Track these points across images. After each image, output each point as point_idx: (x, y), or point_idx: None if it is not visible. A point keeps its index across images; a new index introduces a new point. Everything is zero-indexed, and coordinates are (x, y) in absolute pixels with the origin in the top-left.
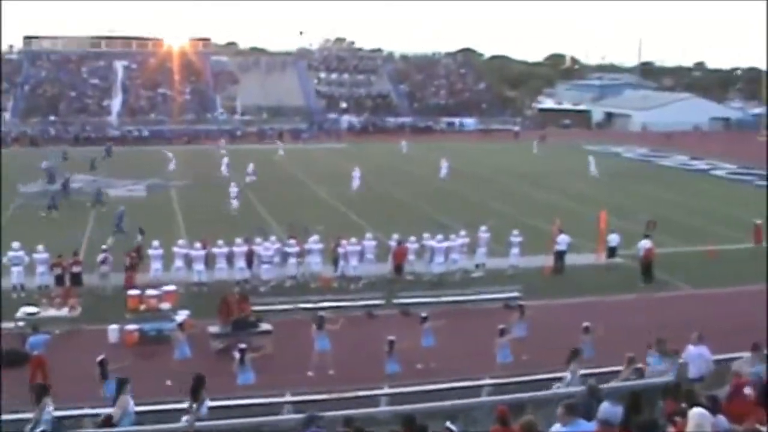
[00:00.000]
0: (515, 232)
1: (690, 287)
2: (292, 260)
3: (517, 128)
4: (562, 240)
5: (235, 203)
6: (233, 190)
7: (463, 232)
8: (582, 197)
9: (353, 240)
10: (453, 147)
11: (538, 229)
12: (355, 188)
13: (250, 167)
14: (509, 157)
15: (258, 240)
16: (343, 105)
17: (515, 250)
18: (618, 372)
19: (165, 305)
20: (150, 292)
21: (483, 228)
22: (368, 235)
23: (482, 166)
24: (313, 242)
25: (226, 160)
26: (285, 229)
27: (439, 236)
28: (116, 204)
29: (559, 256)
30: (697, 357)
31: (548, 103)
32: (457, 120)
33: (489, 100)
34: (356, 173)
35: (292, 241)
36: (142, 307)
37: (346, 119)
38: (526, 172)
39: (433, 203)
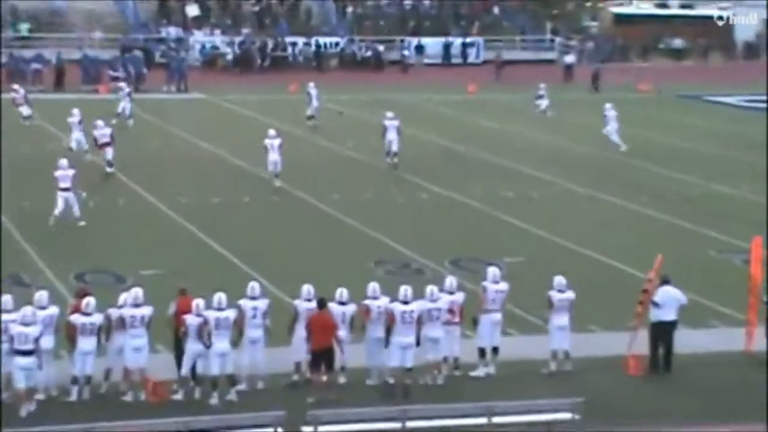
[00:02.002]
0: (559, 280)
1: None
2: (86, 347)
3: (569, 59)
4: (667, 298)
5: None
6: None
7: (450, 282)
8: (696, 201)
9: (218, 298)
10: (431, 101)
11: (607, 270)
12: (273, 170)
13: (101, 127)
14: (550, 120)
15: (6, 302)
16: (194, 11)
17: (560, 320)
18: None
19: None
20: None
21: (492, 272)
22: (252, 286)
23: (488, 139)
24: (132, 304)
25: (75, 118)
26: (70, 286)
27: (404, 290)
28: None
29: (661, 332)
30: None
31: (633, 6)
32: (442, 44)
33: (507, 4)
34: (273, 141)
35: (87, 302)
36: None
37: (201, 41)
38: (578, 153)
39: (384, 218)
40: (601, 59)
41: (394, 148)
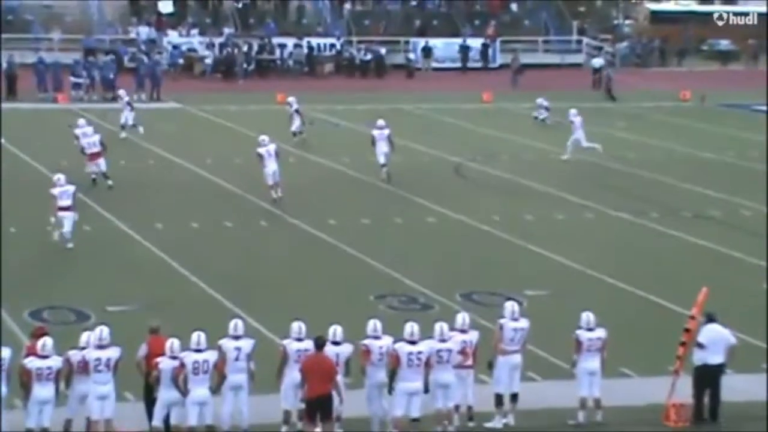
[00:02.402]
0: (588, 317)
1: None
2: (43, 395)
3: (598, 62)
4: (713, 338)
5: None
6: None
7: (462, 319)
8: (745, 225)
9: (196, 338)
10: (439, 111)
11: (644, 305)
12: (273, 181)
13: (89, 135)
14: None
15: None
16: (167, 8)
17: (590, 363)
18: None
19: None
20: None
21: (511, 308)
22: (235, 324)
23: (504, 153)
24: (97, 345)
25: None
26: (25, 324)
27: (410, 328)
28: None
29: (706, 377)
30: None
31: (672, 2)
32: (456, 45)
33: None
34: (268, 148)
35: (44, 343)
36: None
37: (176, 42)
38: (608, 169)
39: (387, 245)
40: (635, 63)
41: (383, 159)
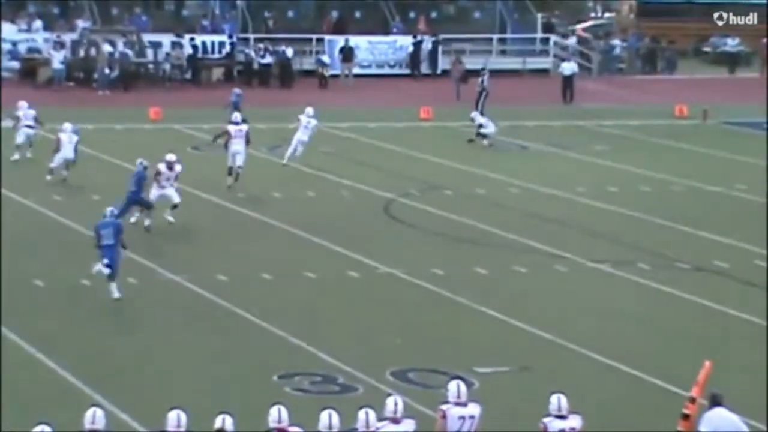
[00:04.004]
0: (559, 401)
1: None
2: None
3: (570, 66)
4: (718, 425)
5: None
6: None
7: (394, 404)
8: (753, 278)
9: None
10: (363, 131)
11: (632, 384)
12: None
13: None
14: (537, 159)
15: None
16: None
17: None
18: None
19: None
20: None
21: (456, 389)
22: (93, 417)
23: (447, 187)
24: None
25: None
26: None
27: (327, 417)
28: None
29: None
30: None
31: None
32: (389, 45)
33: None
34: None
35: None
36: None
37: (12, 39)
38: (583, 206)
39: (294, 307)
40: (617, 69)
41: (239, 161)
